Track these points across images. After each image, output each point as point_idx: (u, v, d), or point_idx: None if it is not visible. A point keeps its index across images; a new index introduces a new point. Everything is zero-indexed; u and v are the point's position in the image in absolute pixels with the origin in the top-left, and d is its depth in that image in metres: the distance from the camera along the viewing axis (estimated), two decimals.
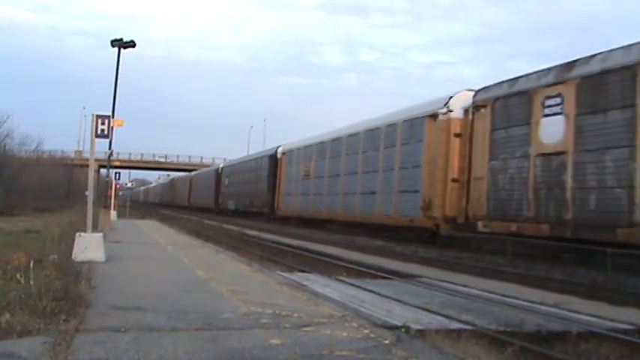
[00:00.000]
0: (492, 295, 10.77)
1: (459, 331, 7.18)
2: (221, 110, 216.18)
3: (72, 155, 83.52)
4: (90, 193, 15.00)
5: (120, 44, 30.16)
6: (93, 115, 13.85)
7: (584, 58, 15.63)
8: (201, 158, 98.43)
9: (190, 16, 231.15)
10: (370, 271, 14.52)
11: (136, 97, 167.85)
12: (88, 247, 12.77)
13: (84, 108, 75.11)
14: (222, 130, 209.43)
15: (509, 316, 8.74)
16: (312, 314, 7.36)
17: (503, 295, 10.72)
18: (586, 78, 15.07)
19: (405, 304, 9.34)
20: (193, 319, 6.75)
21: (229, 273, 11.98)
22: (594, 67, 15.02)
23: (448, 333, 6.98)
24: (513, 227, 17.02)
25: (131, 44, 30.32)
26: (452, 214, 20.04)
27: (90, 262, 12.06)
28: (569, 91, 15.50)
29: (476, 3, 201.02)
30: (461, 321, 7.97)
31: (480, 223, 18.53)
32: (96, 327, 6.12)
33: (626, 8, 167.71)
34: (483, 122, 18.83)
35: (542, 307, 9.57)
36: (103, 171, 58.98)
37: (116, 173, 43.85)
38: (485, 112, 18.74)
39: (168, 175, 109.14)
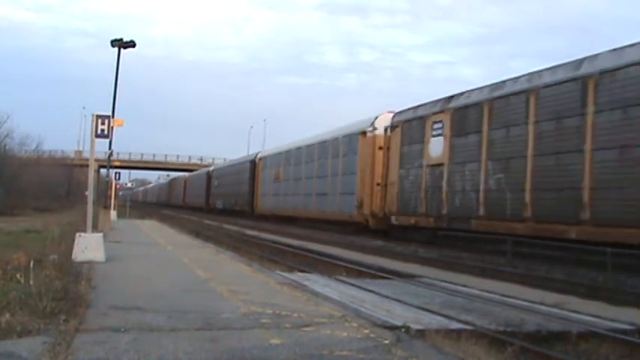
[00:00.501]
0: (492, 295, 10.77)
1: (459, 331, 7.18)
2: (221, 110, 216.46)
3: (72, 155, 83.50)
4: (90, 193, 15.00)
5: (120, 44, 30.11)
6: (93, 115, 13.85)
7: (457, 94, 21.12)
8: (201, 158, 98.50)
9: (190, 16, 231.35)
10: (370, 271, 14.52)
11: (136, 97, 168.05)
12: (88, 247, 12.77)
13: (84, 108, 75.14)
14: (222, 130, 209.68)
15: (509, 316, 8.74)
16: (312, 314, 7.36)
17: (503, 295, 10.73)
18: (456, 110, 20.59)
19: (405, 304, 9.34)
20: (193, 319, 6.75)
21: (229, 273, 11.99)
22: (461, 102, 20.50)
23: (448, 333, 6.98)
24: (412, 220, 22.73)
25: (131, 44, 30.28)
26: (376, 211, 25.52)
27: (90, 262, 12.06)
28: (447, 119, 20.99)
29: (476, 3, 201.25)
30: (461, 321, 7.97)
31: (392, 217, 24.08)
32: (96, 327, 6.12)
33: (626, 8, 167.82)
34: (396, 139, 24.29)
35: (542, 307, 9.57)
36: (103, 171, 59.02)
37: (116, 173, 43.90)
38: (398, 131, 24.25)
39: (168, 175, 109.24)
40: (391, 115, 25.27)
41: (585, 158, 14.96)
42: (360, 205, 26.70)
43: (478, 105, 19.28)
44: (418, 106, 23.35)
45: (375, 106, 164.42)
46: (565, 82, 15.97)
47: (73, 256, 12.46)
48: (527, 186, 16.79)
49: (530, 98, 17.09)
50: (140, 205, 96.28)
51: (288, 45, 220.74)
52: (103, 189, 42.57)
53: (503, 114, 18.22)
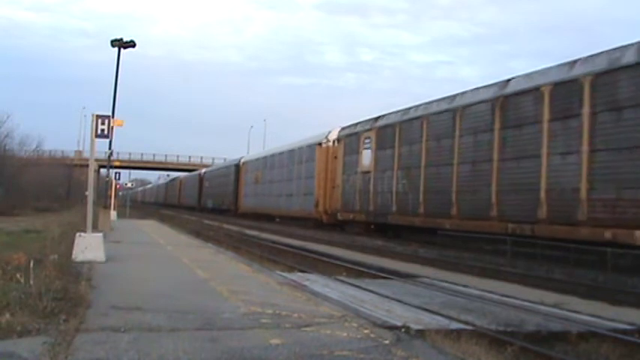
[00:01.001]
0: (492, 295, 10.78)
1: (459, 331, 7.19)
2: (221, 110, 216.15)
3: (72, 155, 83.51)
4: (90, 193, 15.00)
5: (120, 44, 30.10)
6: (93, 115, 13.85)
7: (381, 115, 26.72)
8: (201, 158, 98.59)
9: (190, 15, 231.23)
10: (370, 271, 14.53)
11: (136, 97, 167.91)
12: (88, 247, 12.78)
13: (84, 108, 75.20)
14: (222, 130, 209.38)
15: (509, 316, 8.74)
16: (312, 314, 7.36)
17: (503, 295, 10.73)
18: (379, 128, 26.14)
19: (405, 304, 9.35)
20: (193, 319, 6.76)
21: (229, 273, 11.99)
22: (382, 122, 26.15)
23: (448, 333, 6.99)
24: (351, 216, 28.31)
25: (131, 44, 30.27)
26: (328, 208, 31.27)
27: (90, 262, 12.07)
28: (373, 135, 26.54)
29: (475, 3, 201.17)
30: (461, 321, 7.97)
31: (338, 214, 29.73)
32: (96, 327, 6.12)
33: (626, 8, 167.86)
34: (341, 150, 30.12)
35: (542, 307, 9.58)
36: (103, 171, 59.07)
37: (116, 173, 43.92)
38: (342, 144, 30.13)
39: (168, 175, 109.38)
40: (337, 128, 31.52)
41: (453, 170, 20.29)
42: (317, 204, 32.31)
43: (392, 126, 24.97)
44: (357, 124, 29.03)
45: (375, 106, 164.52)
46: (442, 112, 21.42)
47: (73, 256, 12.46)
48: (422, 189, 22.26)
49: (423, 123, 22.57)
50: (140, 205, 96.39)
51: (287, 45, 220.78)
52: (102, 189, 42.54)
53: (408, 134, 23.59)
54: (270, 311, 7.40)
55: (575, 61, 15.94)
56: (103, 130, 13.65)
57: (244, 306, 7.76)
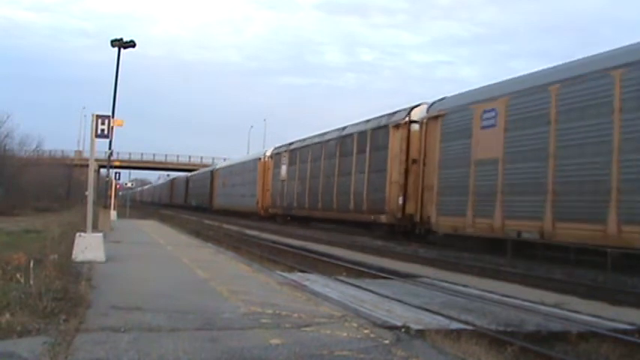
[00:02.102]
0: (492, 295, 10.77)
1: (459, 331, 7.18)
2: (221, 110, 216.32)
3: (72, 155, 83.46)
4: (90, 193, 14.99)
5: (120, 44, 30.11)
6: (93, 115, 13.84)
7: (295, 141, 37.64)
8: (201, 158, 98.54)
9: (190, 15, 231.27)
10: (370, 271, 14.53)
11: (136, 97, 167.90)
12: (88, 247, 12.77)
13: (84, 108, 75.26)
14: (222, 130, 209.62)
15: (510, 316, 8.74)
16: (312, 314, 7.36)
17: (503, 295, 10.72)
18: (290, 151, 36.89)
19: (405, 304, 9.34)
20: (193, 319, 6.75)
21: (229, 273, 11.98)
22: (291, 147, 37.18)
23: (448, 333, 6.99)
24: (276, 210, 39.74)
25: (131, 44, 30.28)
26: (264, 206, 42.45)
27: (90, 262, 12.06)
28: (287, 156, 37.57)
29: (475, 3, 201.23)
30: (461, 321, 7.97)
31: (269, 209, 41.04)
32: (96, 327, 6.12)
33: (626, 8, 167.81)
34: (272, 164, 41.86)
35: (542, 307, 9.57)
36: (103, 171, 59.07)
37: (116, 173, 43.91)
38: (272, 160, 41.69)
39: (168, 175, 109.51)
40: (272, 148, 43.11)
41: (320, 180, 32.10)
42: (257, 203, 44.03)
43: (295, 150, 36.97)
44: (280, 146, 40.91)
45: (375, 106, 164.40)
46: (316, 144, 33.74)
47: (73, 256, 12.45)
48: (307, 192, 33.96)
49: (309, 150, 34.65)
50: (139, 205, 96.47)
51: (287, 45, 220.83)
52: (102, 189, 42.54)
53: (302, 156, 35.48)
54: (270, 311, 7.40)
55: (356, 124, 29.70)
56: (103, 130, 13.64)
57: (244, 306, 7.76)
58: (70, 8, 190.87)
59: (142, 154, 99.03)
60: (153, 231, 27.53)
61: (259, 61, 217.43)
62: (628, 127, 13.86)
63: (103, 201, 35.06)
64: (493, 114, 18.46)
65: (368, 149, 26.87)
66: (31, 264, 8.64)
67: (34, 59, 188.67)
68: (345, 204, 28.56)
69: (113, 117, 18.76)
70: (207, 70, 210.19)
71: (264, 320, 6.84)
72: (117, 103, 30.21)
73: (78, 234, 13.20)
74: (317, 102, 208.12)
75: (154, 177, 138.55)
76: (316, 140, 34.02)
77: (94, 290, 8.55)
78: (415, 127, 23.29)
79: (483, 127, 18.87)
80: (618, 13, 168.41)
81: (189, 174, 77.27)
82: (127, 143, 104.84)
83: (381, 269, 14.67)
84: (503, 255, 16.53)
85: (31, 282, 7.74)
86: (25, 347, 5.22)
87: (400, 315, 8.06)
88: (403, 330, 6.67)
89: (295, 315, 7.23)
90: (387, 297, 10.03)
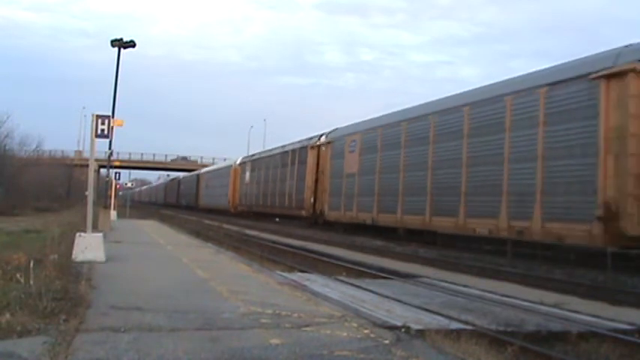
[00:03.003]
0: (492, 295, 10.77)
1: (458, 331, 7.18)
2: (221, 110, 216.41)
3: (72, 155, 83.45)
4: (90, 193, 14.99)
5: (120, 44, 30.06)
6: (93, 115, 13.83)
7: (254, 153, 51.98)
8: (201, 158, 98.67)
9: (189, 15, 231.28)
10: (370, 271, 14.53)
11: (136, 97, 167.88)
12: (88, 247, 12.76)
13: (84, 108, 75.23)
14: (222, 130, 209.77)
15: (510, 316, 8.74)
16: (312, 314, 7.36)
17: (503, 295, 10.72)
18: (251, 161, 48.43)
19: (405, 304, 9.34)
20: (193, 319, 6.75)
21: (229, 273, 11.99)
22: (252, 158, 49.75)
23: (448, 333, 6.98)
24: (243, 208, 48.75)
25: (131, 44, 30.23)
26: (234, 204, 51.02)
27: (90, 262, 12.06)
28: (249, 164, 48.74)
29: (475, 2, 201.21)
30: (461, 321, 7.97)
31: (238, 207, 50.10)
32: (96, 327, 6.12)
33: (626, 8, 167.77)
34: (240, 171, 51.05)
35: (542, 307, 9.57)
36: (103, 171, 59.05)
37: (116, 173, 43.87)
38: (240, 167, 50.78)
39: (168, 175, 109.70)
40: (241, 158, 53.38)
41: (268, 185, 41.32)
42: (229, 201, 52.36)
43: (253, 161, 47.72)
44: (246, 157, 52.65)
45: (375, 106, 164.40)
46: (265, 158, 44.40)
47: (73, 256, 12.45)
48: (261, 194, 43.45)
49: (262, 162, 44.30)
50: (138, 205, 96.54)
51: (287, 45, 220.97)
52: (102, 189, 42.53)
53: (259, 165, 45.26)
54: (270, 311, 7.40)
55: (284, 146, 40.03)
56: (103, 130, 13.64)
57: (244, 306, 7.76)
58: (70, 8, 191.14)
59: (142, 154, 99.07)
60: (153, 231, 27.53)
61: (259, 61, 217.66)
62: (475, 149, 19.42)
63: (103, 201, 35.04)
64: (354, 143, 28.27)
65: (296, 163, 36.45)
66: (31, 264, 8.64)
67: (34, 59, 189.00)
68: (283, 203, 38.38)
69: (113, 117, 18.77)
70: (207, 70, 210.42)
71: (264, 320, 6.84)
72: (117, 103, 30.11)
73: (78, 234, 13.19)
74: (317, 102, 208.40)
75: (154, 177, 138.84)
76: (268, 154, 44.65)
77: (94, 290, 8.55)
78: (322, 148, 32.36)
79: (350, 152, 28.68)
80: (618, 13, 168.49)
81: (180, 177, 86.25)
82: (127, 143, 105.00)
83: (381, 269, 14.68)
84: (503, 255, 16.53)
85: (31, 282, 7.74)
86: (25, 347, 5.22)
87: (400, 315, 8.06)
88: (403, 330, 6.68)
89: (295, 315, 7.23)
90: (387, 297, 10.03)
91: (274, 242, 23.40)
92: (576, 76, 15.42)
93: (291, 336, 6.06)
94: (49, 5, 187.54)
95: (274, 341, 5.78)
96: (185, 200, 73.75)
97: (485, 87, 20.41)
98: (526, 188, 16.51)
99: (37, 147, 67.66)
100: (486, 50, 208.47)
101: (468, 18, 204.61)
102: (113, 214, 35.39)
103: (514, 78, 18.93)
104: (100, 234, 13.89)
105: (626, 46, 14.72)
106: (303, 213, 33.42)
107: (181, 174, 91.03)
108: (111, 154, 34.75)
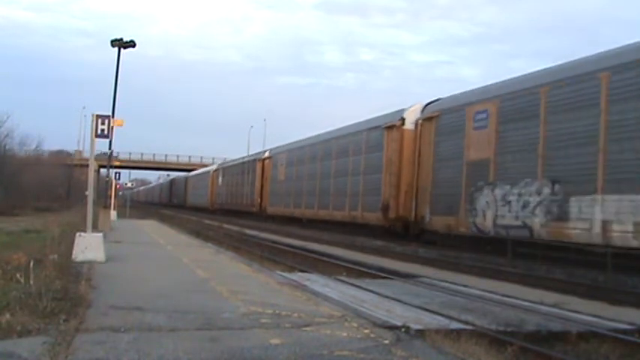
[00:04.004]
0: (492, 295, 10.77)
1: (458, 331, 7.18)
2: (221, 110, 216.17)
3: (72, 155, 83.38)
4: (90, 193, 14.99)
5: (120, 44, 30.05)
6: (93, 115, 13.83)
7: (225, 162, 65.07)
8: (201, 158, 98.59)
9: (189, 15, 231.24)
10: (370, 271, 14.53)
11: (136, 97, 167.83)
12: (88, 247, 12.76)
13: (84, 108, 75.25)
14: (222, 130, 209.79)
15: (510, 316, 8.74)
16: (312, 314, 7.36)
17: (503, 295, 10.72)
18: (223, 169, 58.25)
19: (405, 304, 9.34)
20: (193, 319, 6.75)
21: (229, 273, 11.99)
22: (223, 166, 59.95)
23: (448, 333, 6.98)
24: (217, 206, 56.90)
25: (131, 44, 30.22)
26: (212, 203, 59.50)
27: (90, 262, 12.06)
28: (221, 172, 58.06)
29: (475, 2, 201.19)
30: (461, 321, 7.97)
31: (215, 205, 58.02)
32: (96, 327, 6.12)
33: (626, 8, 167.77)
34: (219, 175, 58.38)
35: (542, 307, 9.57)
36: (103, 171, 59.06)
37: (116, 173, 43.89)
38: (218, 172, 59.39)
39: (168, 175, 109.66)
40: (216, 165, 63.57)
41: (232, 189, 51.51)
42: (208, 200, 60.51)
43: (225, 169, 56.40)
44: (221, 164, 62.26)
45: (375, 106, 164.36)
46: (231, 167, 54.40)
47: (73, 256, 12.45)
48: (226, 194, 53.70)
49: (233, 168, 52.96)
50: (138, 205, 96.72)
51: (287, 44, 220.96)
52: (102, 189, 42.55)
53: (227, 172, 54.34)
54: (270, 311, 7.40)
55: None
56: (103, 130, 13.64)
57: (244, 306, 7.76)
58: (70, 8, 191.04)
59: (142, 154, 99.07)
60: (153, 231, 27.53)
61: (259, 61, 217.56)
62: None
63: (103, 201, 35.05)
64: (283, 159, 38.49)
65: (250, 172, 46.03)
66: (31, 264, 8.64)
67: (34, 59, 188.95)
68: (241, 201, 47.99)
69: (113, 117, 18.75)
70: (207, 70, 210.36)
71: (264, 320, 6.83)
72: (117, 103, 30.13)
73: (78, 234, 13.19)
74: (317, 102, 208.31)
75: (154, 177, 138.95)
76: (232, 163, 55.26)
77: (94, 290, 8.55)
78: (266, 161, 42.26)
79: (280, 165, 38.96)
80: (618, 13, 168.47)
81: (174, 179, 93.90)
82: (127, 143, 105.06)
83: (381, 269, 14.67)
84: (504, 255, 16.52)
85: (31, 282, 7.74)
86: (25, 347, 5.22)
87: (400, 315, 8.05)
88: (403, 330, 6.67)
89: (295, 315, 7.23)
90: (387, 297, 10.03)
91: (274, 242, 23.40)
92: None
93: (291, 336, 6.06)
94: (49, 5, 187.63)
95: (274, 341, 5.78)
96: (176, 200, 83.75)
97: (347, 126, 30.31)
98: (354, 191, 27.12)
99: (37, 147, 67.78)
100: (486, 50, 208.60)
101: (467, 18, 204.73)
102: (113, 214, 35.41)
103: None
104: (100, 234, 13.89)
105: None
106: (253, 209, 43.61)
107: (181, 174, 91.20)
108: (111, 154, 34.75)
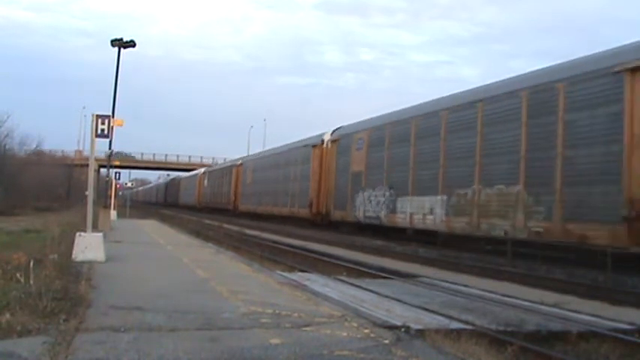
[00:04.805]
0: (492, 295, 10.77)
1: (458, 331, 7.18)
2: (221, 110, 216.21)
3: (72, 155, 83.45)
4: (90, 193, 14.99)
5: (120, 44, 30.05)
6: (93, 115, 13.83)
7: (210, 166, 77.48)
8: (201, 158, 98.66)
9: (189, 15, 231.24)
10: (370, 270, 14.53)
11: (136, 97, 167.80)
12: (88, 247, 12.76)
13: (84, 108, 75.44)
14: (222, 130, 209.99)
15: (510, 316, 8.74)
16: (312, 314, 7.36)
17: (503, 295, 10.73)
18: (210, 172, 65.35)
19: (405, 303, 9.34)
20: (193, 319, 6.75)
21: (229, 273, 11.99)
22: (212, 169, 67.40)
23: (448, 333, 6.98)
24: (205, 204, 64.03)
25: (131, 44, 30.21)
26: (200, 202, 66.71)
27: (90, 262, 12.06)
28: (205, 176, 66.36)
29: (475, 2, 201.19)
30: (461, 321, 7.97)
31: (203, 203, 65.41)
32: (96, 327, 6.11)
33: (626, 8, 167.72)
34: (205, 178, 65.55)
35: (542, 307, 9.57)
36: (103, 171, 59.08)
37: (116, 173, 43.90)
38: (205, 175, 66.18)
39: (168, 175, 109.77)
40: (204, 169, 70.68)
41: (215, 189, 58.80)
42: (196, 200, 67.15)
43: (210, 172, 63.91)
44: (207, 168, 70.34)
45: (375, 106, 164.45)
46: (216, 170, 62.07)
47: (73, 256, 12.45)
48: (214, 193, 58.38)
49: (214, 174, 61.18)
50: (138, 205, 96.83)
51: (287, 44, 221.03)
52: (102, 189, 42.53)
53: (212, 176, 61.26)
54: (270, 311, 7.40)
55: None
56: (103, 130, 13.64)
57: (244, 306, 7.76)
58: (70, 8, 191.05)
59: (142, 154, 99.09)
60: (153, 231, 27.53)
61: (259, 61, 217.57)
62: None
63: (103, 201, 35.03)
64: (249, 166, 47.47)
65: (226, 176, 54.04)
66: (31, 264, 8.64)
67: (34, 59, 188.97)
68: (221, 201, 54.76)
69: (113, 117, 18.74)
70: (207, 70, 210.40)
71: (264, 320, 6.83)
72: (117, 103, 30.13)
73: (78, 234, 13.19)
74: (317, 102, 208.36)
75: (154, 177, 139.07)
76: (213, 169, 64.40)
77: (94, 290, 8.55)
78: (240, 169, 49.95)
79: (250, 170, 46.49)
80: (618, 13, 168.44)
81: (170, 180, 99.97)
82: (127, 143, 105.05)
83: (381, 269, 14.67)
84: (503, 255, 16.52)
85: (31, 282, 7.74)
86: (25, 347, 5.22)
87: (400, 315, 8.05)
88: (403, 330, 6.67)
89: (295, 315, 7.22)
90: (387, 297, 10.03)
91: (274, 242, 23.40)
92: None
93: (291, 336, 6.06)
94: (49, 5, 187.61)
95: (274, 341, 5.78)
96: (171, 199, 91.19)
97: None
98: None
99: (37, 147, 67.80)
100: (486, 50, 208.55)
101: (467, 18, 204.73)
102: (113, 213, 35.39)
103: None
104: (100, 234, 13.89)
105: None
106: (229, 207, 51.00)
107: (180, 174, 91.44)
108: (111, 154, 34.75)
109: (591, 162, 14.26)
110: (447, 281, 12.66)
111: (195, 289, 9.31)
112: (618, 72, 13.87)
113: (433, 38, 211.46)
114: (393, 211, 23.15)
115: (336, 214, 28.83)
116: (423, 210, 21.02)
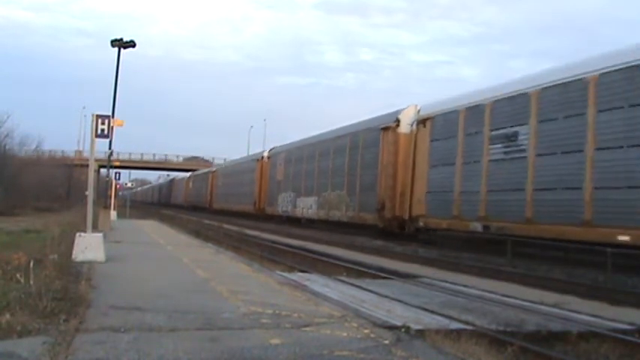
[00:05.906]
0: (492, 295, 10.78)
1: (458, 331, 7.18)
2: (221, 110, 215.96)
3: (72, 155, 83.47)
4: (90, 193, 15.00)
5: (120, 44, 30.06)
6: (93, 115, 13.83)
7: (194, 172, 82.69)
8: (202, 158, 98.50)
9: (189, 15, 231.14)
10: (370, 271, 14.53)
11: (136, 97, 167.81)
12: (88, 247, 12.77)
13: (84, 108, 75.40)
14: (222, 130, 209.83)
15: (509, 316, 8.74)
16: (312, 314, 7.36)
17: (504, 295, 10.73)
18: (194, 176, 76.91)
19: (405, 304, 9.35)
20: (193, 319, 6.75)
21: (229, 273, 11.99)
22: (197, 173, 76.79)
23: (448, 333, 6.99)
24: (199, 204, 69.55)
25: (131, 44, 30.22)
26: (188, 201, 76.12)
27: (90, 262, 12.06)
28: (192, 179, 78.01)
29: (475, 2, 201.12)
30: (461, 321, 7.97)
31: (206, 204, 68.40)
32: (96, 327, 6.12)
33: (626, 8, 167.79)
34: (191, 180, 79.66)
35: (542, 307, 9.58)
36: (103, 171, 59.10)
37: (116, 173, 43.91)
38: (192, 178, 78.04)
39: (168, 175, 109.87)
40: (190, 174, 79.63)
41: (200, 191, 68.52)
42: (183, 199, 76.34)
43: (195, 176, 74.83)
44: (193, 174, 77.69)
45: (375, 106, 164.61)
46: (203, 174, 69.92)
47: (73, 256, 12.45)
48: (198, 194, 68.95)
49: (198, 177, 72.71)
50: (138, 205, 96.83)
51: (287, 44, 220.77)
52: (102, 189, 42.61)
53: (198, 180, 71.65)
54: (270, 311, 7.40)
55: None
56: (103, 130, 13.64)
57: (244, 306, 7.76)
58: (69, 8, 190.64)
59: (142, 154, 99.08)
60: (153, 231, 27.53)
61: (259, 61, 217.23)
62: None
63: (103, 201, 35.06)
64: (222, 173, 59.16)
65: (205, 180, 63.54)
66: (31, 264, 8.64)
67: (34, 59, 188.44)
68: (203, 200, 63.84)
69: (113, 117, 18.75)
70: (207, 70, 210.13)
71: (264, 320, 6.84)
72: (117, 103, 30.13)
73: (78, 234, 13.19)
74: (317, 102, 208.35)
75: (154, 177, 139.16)
76: (198, 173, 72.45)
77: (94, 290, 8.55)
78: (215, 174, 60.66)
79: (222, 175, 57.91)
80: (618, 13, 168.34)
81: (164, 182, 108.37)
82: (127, 143, 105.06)
83: (381, 269, 14.68)
84: (503, 255, 16.53)
85: (31, 282, 7.74)
86: (25, 347, 5.22)
87: (400, 315, 8.06)
88: (403, 330, 6.67)
89: (295, 315, 7.23)
90: (387, 297, 10.04)
91: (274, 242, 23.41)
92: None
93: (291, 336, 6.06)
94: (49, 5, 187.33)
95: (274, 341, 5.79)
96: (163, 199, 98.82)
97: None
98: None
99: (37, 147, 67.74)
100: (486, 50, 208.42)
101: (467, 18, 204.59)
102: (113, 214, 35.42)
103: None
104: (100, 234, 13.89)
105: None
106: (207, 205, 61.31)
107: (180, 174, 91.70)
108: (111, 154, 34.77)
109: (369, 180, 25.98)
110: (446, 281, 12.66)
111: (195, 289, 9.31)
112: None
113: (433, 38, 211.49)
114: (294, 206, 35.23)
115: (268, 209, 41.08)
116: (308, 206, 32.92)
